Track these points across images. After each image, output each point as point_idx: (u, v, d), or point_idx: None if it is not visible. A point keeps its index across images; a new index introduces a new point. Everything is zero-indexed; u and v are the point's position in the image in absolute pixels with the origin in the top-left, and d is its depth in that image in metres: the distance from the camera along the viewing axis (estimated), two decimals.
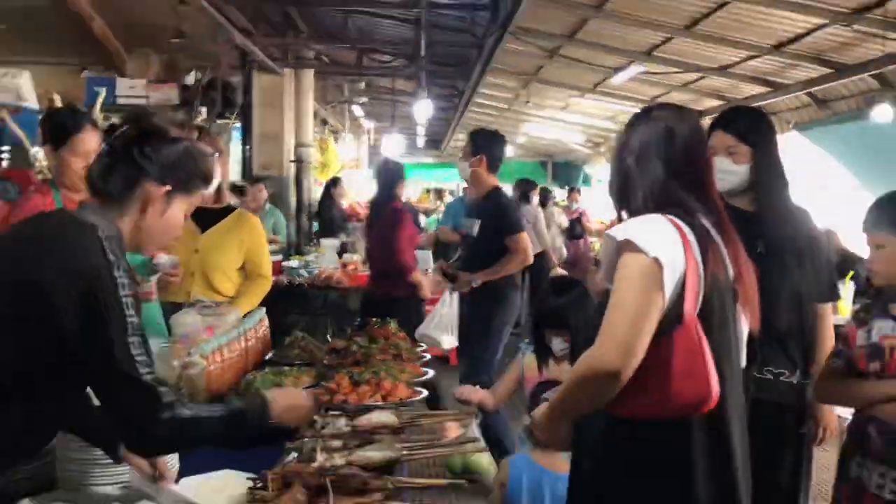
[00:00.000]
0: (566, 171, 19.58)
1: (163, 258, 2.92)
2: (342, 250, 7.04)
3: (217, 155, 3.35)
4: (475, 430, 2.90)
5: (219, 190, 3.46)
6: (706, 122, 2.94)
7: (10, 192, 5.91)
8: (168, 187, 1.75)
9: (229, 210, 3.57)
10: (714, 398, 1.68)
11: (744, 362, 1.90)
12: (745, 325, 1.88)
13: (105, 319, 1.54)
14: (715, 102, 9.39)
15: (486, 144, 4.72)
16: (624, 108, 10.53)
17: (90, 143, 2.77)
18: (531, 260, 4.63)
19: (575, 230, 10.89)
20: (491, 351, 4.50)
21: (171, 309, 2.90)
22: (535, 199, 9.33)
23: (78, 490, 1.95)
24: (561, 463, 2.49)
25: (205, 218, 3.45)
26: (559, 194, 14.79)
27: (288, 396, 1.94)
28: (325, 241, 6.76)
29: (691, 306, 1.69)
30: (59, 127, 2.86)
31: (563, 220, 10.56)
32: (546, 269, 9.35)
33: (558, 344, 2.82)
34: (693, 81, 8.87)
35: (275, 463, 2.09)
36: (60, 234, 1.62)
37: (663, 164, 1.82)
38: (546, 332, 2.84)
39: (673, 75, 8.56)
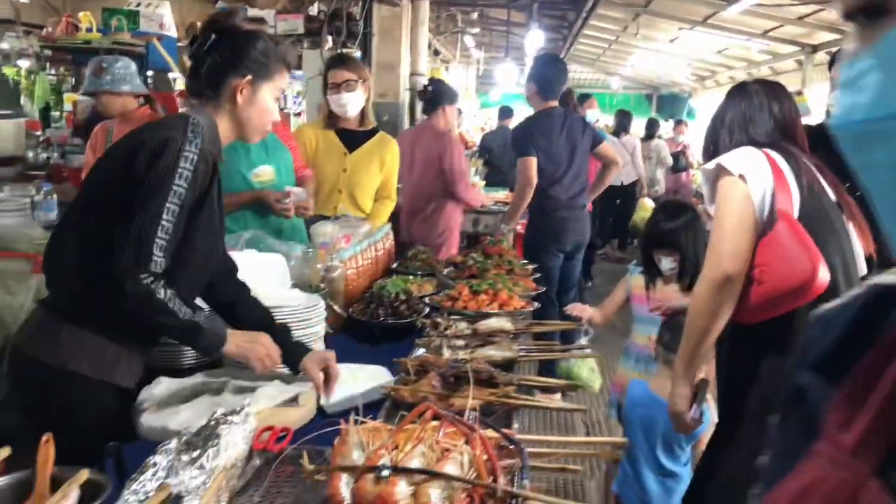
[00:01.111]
0: (671, 103, 19.13)
1: (297, 190, 3.14)
2: None
3: (362, 81, 3.60)
4: (584, 342, 3.14)
5: (363, 113, 3.71)
6: (821, 56, 2.97)
7: (157, 113, 6.41)
8: (250, 77, 1.93)
9: (374, 132, 3.81)
10: (819, 281, 1.84)
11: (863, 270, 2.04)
12: (857, 239, 2.02)
13: (155, 179, 1.73)
14: (829, 36, 8.98)
15: (535, 71, 4.80)
16: (733, 40, 10.17)
17: None
18: (532, 182, 4.57)
19: (679, 163, 10.76)
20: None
21: (317, 219, 3.21)
22: (633, 129, 9.38)
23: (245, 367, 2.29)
24: None
25: (352, 139, 3.72)
26: (663, 127, 14.51)
27: (247, 338, 1.93)
28: None
29: (785, 206, 1.91)
30: None
31: (668, 154, 10.45)
32: (635, 198, 9.33)
33: (667, 264, 2.98)
34: (808, 15, 8.49)
35: (406, 356, 2.37)
36: (162, 118, 1.93)
37: (755, 140, 2.01)
38: (655, 253, 3.00)
39: (786, 7, 8.21)
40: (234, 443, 1.47)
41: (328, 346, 2.40)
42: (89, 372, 1.78)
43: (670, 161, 10.46)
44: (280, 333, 2.05)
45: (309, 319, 2.31)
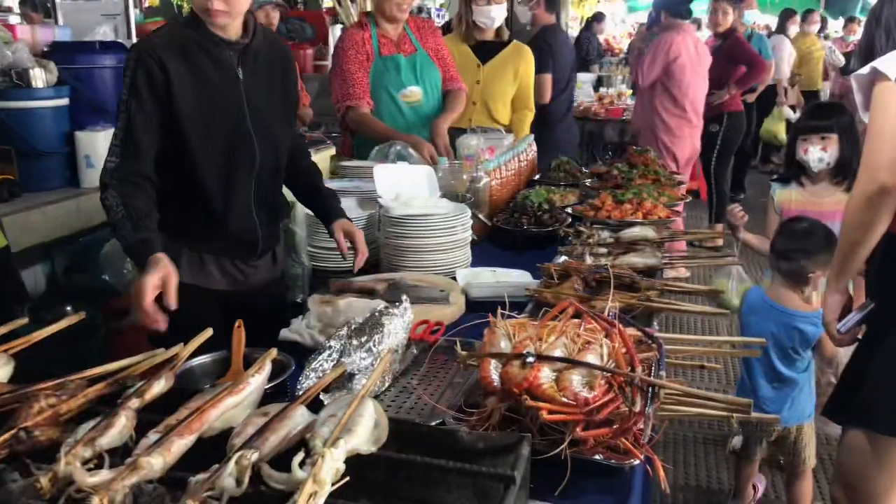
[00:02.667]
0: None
1: (444, 167, 3.08)
2: (598, 84, 7.16)
3: None
4: (735, 250, 3.09)
5: (500, 28, 3.74)
6: None
7: (306, 32, 6.68)
8: None
9: (507, 42, 3.83)
10: None
11: None
12: None
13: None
14: None
15: None
16: None
17: None
18: (545, 99, 4.58)
19: (850, 65, 9.86)
20: None
21: (455, 133, 3.32)
22: (794, 27, 8.65)
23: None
24: (788, 298, 2.65)
25: (485, 51, 3.77)
26: (833, 25, 13.31)
27: (160, 269, 1.77)
28: (582, 76, 6.91)
29: None
30: None
31: (838, 56, 9.61)
32: (772, 102, 8.60)
33: (816, 154, 2.87)
34: None
35: (547, 261, 2.46)
36: None
37: None
38: (802, 143, 2.90)
39: None
40: (394, 331, 1.65)
41: (473, 253, 2.55)
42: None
43: (840, 61, 9.62)
44: (326, 196, 2.29)
45: (455, 227, 2.45)
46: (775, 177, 3.23)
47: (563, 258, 2.47)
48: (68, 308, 2.99)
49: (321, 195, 2.32)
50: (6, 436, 1.07)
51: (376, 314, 1.67)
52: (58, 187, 3.18)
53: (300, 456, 1.01)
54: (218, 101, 1.96)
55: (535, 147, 3.71)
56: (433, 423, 1.43)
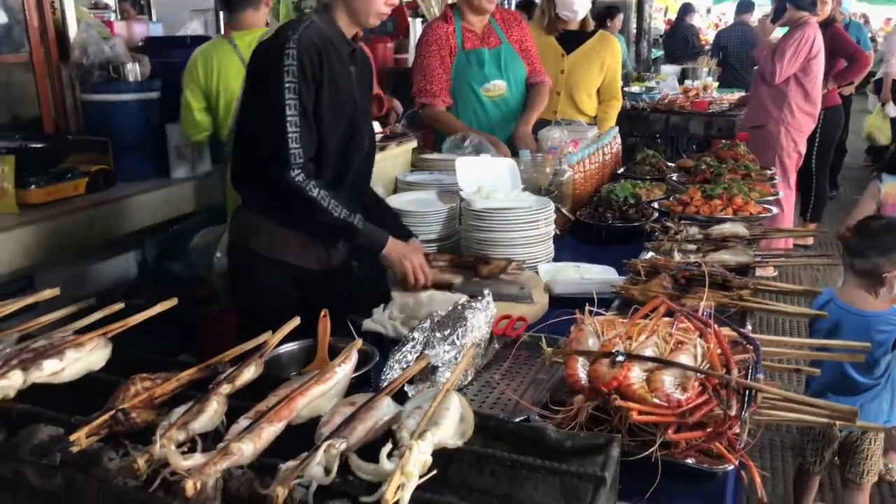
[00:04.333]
0: None
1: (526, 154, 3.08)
2: (683, 76, 6.96)
3: None
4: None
5: (584, 18, 3.67)
6: None
7: (387, 25, 6.72)
8: None
9: (593, 32, 3.76)
10: None
11: None
12: None
13: (271, 81, 1.93)
14: None
15: None
16: None
17: None
18: None
19: None
20: None
21: (539, 125, 3.27)
22: None
23: None
24: (862, 300, 2.49)
25: (570, 40, 3.70)
26: None
27: (404, 248, 2.14)
28: (666, 68, 6.74)
29: None
30: None
31: None
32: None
33: None
34: None
35: (632, 257, 2.39)
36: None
37: None
38: None
39: None
40: (477, 326, 1.63)
41: (555, 248, 2.50)
42: (263, 250, 2.09)
43: None
44: (390, 215, 2.33)
45: (538, 221, 2.41)
46: (880, 168, 3.07)
47: (650, 254, 2.41)
48: (159, 295, 3.11)
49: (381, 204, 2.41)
50: (106, 416, 1.10)
51: (459, 307, 1.65)
52: (149, 178, 3.28)
53: (388, 447, 1.00)
54: (342, 93, 2.06)
55: (619, 140, 3.63)
56: (518, 420, 1.40)
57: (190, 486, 0.94)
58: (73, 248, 2.86)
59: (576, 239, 2.77)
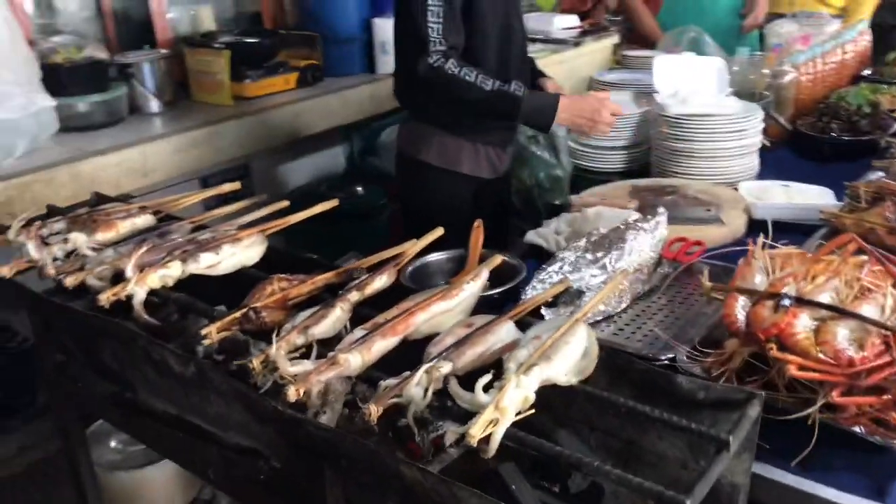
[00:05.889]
0: None
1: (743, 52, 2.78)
2: None
3: None
4: None
5: None
6: None
7: None
8: None
9: None
10: None
11: None
12: None
13: None
14: None
15: None
16: None
17: None
18: None
19: None
20: None
21: (770, 19, 2.88)
22: None
23: None
24: None
25: None
26: None
27: (579, 102, 1.96)
28: None
29: None
30: None
31: None
32: None
33: None
34: None
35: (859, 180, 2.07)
36: None
37: None
38: None
39: None
40: (638, 249, 1.50)
41: (763, 162, 2.23)
42: (435, 161, 2.05)
43: None
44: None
45: (744, 130, 2.15)
46: None
47: (879, 175, 2.06)
48: (359, 188, 3.24)
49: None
50: (238, 314, 1.16)
51: (621, 227, 1.53)
52: (355, 73, 3.36)
53: (487, 377, 0.95)
54: None
55: (868, 36, 3.09)
56: (664, 358, 1.28)
57: (292, 393, 0.96)
58: (283, 140, 3.04)
59: (792, 152, 2.44)
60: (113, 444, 1.91)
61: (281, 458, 1.10)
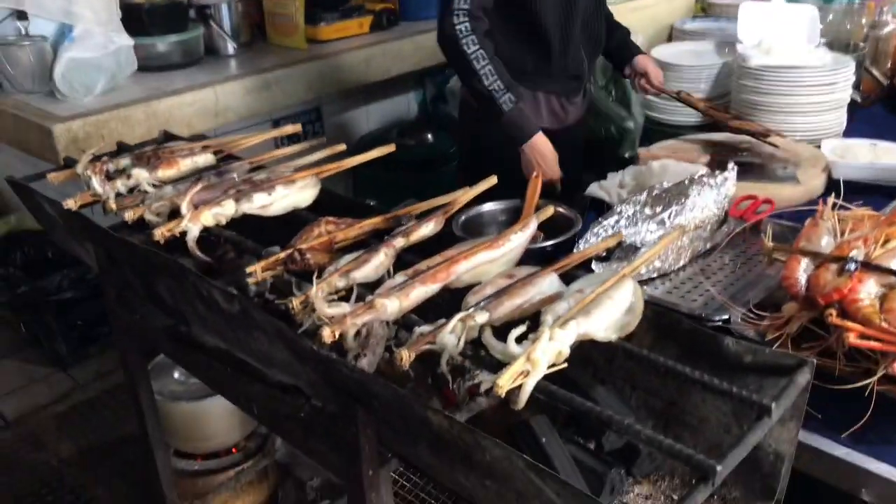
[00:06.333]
0: None
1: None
2: None
3: None
4: None
5: None
6: None
7: None
8: None
9: None
10: None
11: None
12: None
13: None
14: None
15: None
16: None
17: None
18: None
19: None
20: None
21: None
22: None
23: None
24: None
25: None
26: None
27: (544, 147, 1.91)
28: None
29: None
30: None
31: None
32: None
33: None
34: None
35: None
36: None
37: None
38: None
39: None
40: (702, 205, 1.43)
41: (854, 118, 2.09)
42: None
43: None
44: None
45: (834, 84, 2.02)
46: None
47: None
48: (429, 135, 3.22)
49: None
50: (283, 255, 1.17)
51: (685, 182, 1.46)
52: (431, 17, 3.30)
53: (521, 329, 0.93)
54: None
55: None
56: (717, 319, 1.23)
57: (327, 334, 0.97)
58: (355, 84, 3.04)
59: (885, 108, 2.28)
60: (176, 375, 1.98)
61: (320, 397, 1.12)
